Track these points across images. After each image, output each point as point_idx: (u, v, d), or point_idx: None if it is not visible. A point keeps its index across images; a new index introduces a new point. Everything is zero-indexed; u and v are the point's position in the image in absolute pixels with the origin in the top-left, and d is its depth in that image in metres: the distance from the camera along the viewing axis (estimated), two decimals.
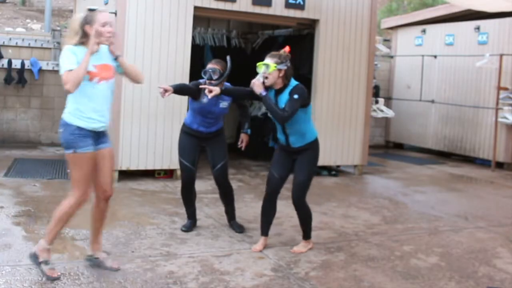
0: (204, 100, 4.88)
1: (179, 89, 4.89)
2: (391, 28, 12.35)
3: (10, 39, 9.34)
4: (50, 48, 9.56)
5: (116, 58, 3.99)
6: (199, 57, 9.11)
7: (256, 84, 4.45)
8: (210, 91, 4.54)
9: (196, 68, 7.85)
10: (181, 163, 5.08)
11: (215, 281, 3.94)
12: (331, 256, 4.66)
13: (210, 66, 4.94)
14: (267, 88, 4.51)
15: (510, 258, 4.86)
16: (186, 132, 5.09)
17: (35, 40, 9.47)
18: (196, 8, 7.25)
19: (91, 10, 3.90)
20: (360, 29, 8.24)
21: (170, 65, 7.16)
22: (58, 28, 10.32)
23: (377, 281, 4.15)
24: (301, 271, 4.25)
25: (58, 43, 9.59)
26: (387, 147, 12.08)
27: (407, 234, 5.44)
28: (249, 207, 6.09)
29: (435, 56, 10.94)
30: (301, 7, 7.77)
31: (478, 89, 10.15)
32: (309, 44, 8.25)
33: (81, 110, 3.88)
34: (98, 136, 3.96)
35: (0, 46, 9.22)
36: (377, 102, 10.26)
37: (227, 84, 5.01)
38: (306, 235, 4.78)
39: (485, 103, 9.95)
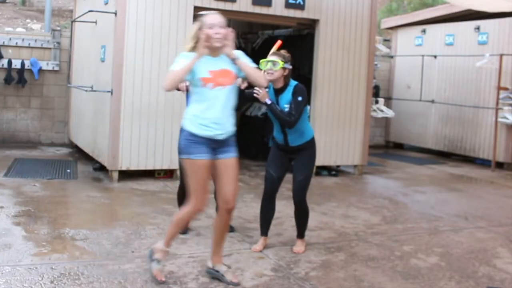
0: None
1: None
2: (391, 28, 12.35)
3: (10, 39, 9.34)
4: (50, 48, 9.56)
5: (233, 61, 3.78)
6: None
7: (262, 93, 4.43)
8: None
9: None
10: (181, 166, 5.03)
11: (215, 281, 3.94)
12: (331, 256, 4.66)
13: None
14: (266, 87, 4.52)
15: (510, 258, 4.86)
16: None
17: (35, 40, 9.48)
18: (196, 8, 7.23)
19: (201, 14, 3.75)
20: (360, 29, 8.24)
21: (170, 65, 7.12)
22: (58, 28, 10.32)
23: (377, 281, 4.15)
24: (301, 271, 4.25)
25: (58, 43, 9.61)
26: (387, 147, 12.08)
27: (407, 234, 5.44)
28: (249, 207, 6.09)
29: (435, 56, 10.94)
30: (301, 7, 7.78)
31: (478, 89, 10.15)
32: (309, 44, 8.25)
33: (196, 116, 3.73)
34: (218, 145, 3.77)
35: (0, 46, 9.22)
36: (377, 102, 10.26)
37: None
38: (303, 234, 4.79)
39: (485, 103, 9.95)
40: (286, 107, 4.47)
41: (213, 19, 3.71)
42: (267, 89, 4.50)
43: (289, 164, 4.68)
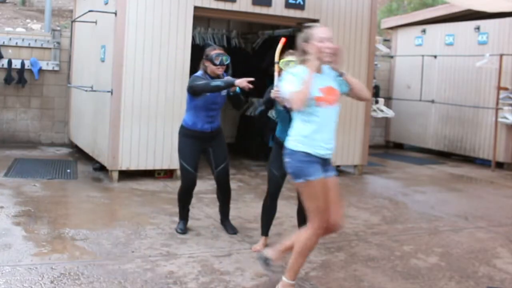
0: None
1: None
2: (391, 28, 12.35)
3: (10, 39, 9.34)
4: (50, 48, 9.56)
5: (340, 76, 3.70)
6: (199, 57, 9.09)
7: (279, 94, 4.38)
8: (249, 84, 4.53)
9: (196, 68, 7.85)
10: (183, 168, 4.96)
11: (215, 281, 3.94)
12: (331, 256, 4.66)
13: (217, 51, 4.83)
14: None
15: (510, 258, 4.86)
16: (189, 135, 4.94)
17: (35, 40, 9.48)
18: (196, 8, 7.24)
19: (307, 26, 3.66)
20: (360, 29, 8.24)
21: (170, 65, 7.15)
22: (58, 28, 10.32)
23: (377, 281, 4.15)
24: (301, 271, 4.24)
25: (58, 43, 9.61)
26: (387, 147, 12.08)
27: (407, 234, 5.44)
28: (249, 207, 6.09)
29: (435, 56, 10.94)
30: (301, 7, 7.78)
31: (478, 89, 10.15)
32: None
33: (307, 136, 3.60)
34: (324, 164, 3.68)
35: (0, 46, 9.22)
36: (377, 102, 10.26)
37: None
38: None
39: (485, 103, 9.95)
40: None
41: (324, 32, 3.61)
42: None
43: None
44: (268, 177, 4.68)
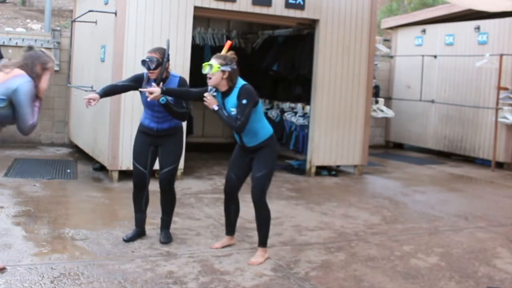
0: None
1: (108, 92, 4.65)
2: (391, 28, 12.35)
3: (10, 39, 9.34)
4: (50, 48, 9.55)
5: None
6: (199, 57, 9.10)
7: (210, 100, 4.27)
8: (151, 93, 4.36)
9: (197, 68, 7.84)
10: (133, 166, 4.69)
11: (215, 281, 3.94)
12: (331, 256, 4.66)
13: (148, 55, 4.61)
14: (216, 91, 4.35)
15: (510, 258, 4.86)
16: (140, 130, 4.77)
17: (35, 40, 9.47)
18: (196, 8, 7.24)
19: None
20: (360, 29, 8.24)
21: (170, 65, 7.13)
22: (58, 28, 10.32)
23: (377, 281, 4.15)
24: (301, 271, 4.25)
25: (58, 43, 9.61)
26: (387, 147, 12.08)
27: (407, 234, 5.44)
28: (249, 207, 6.04)
29: (435, 56, 10.94)
30: (301, 7, 7.77)
31: (478, 89, 10.15)
32: (309, 44, 8.25)
33: None
34: None
35: (0, 46, 9.21)
36: (377, 102, 10.26)
37: (175, 74, 4.69)
38: (262, 242, 4.46)
39: (485, 103, 9.95)
40: (233, 110, 4.27)
41: None
42: (215, 94, 4.33)
43: (250, 164, 4.51)
44: (225, 178, 4.63)
